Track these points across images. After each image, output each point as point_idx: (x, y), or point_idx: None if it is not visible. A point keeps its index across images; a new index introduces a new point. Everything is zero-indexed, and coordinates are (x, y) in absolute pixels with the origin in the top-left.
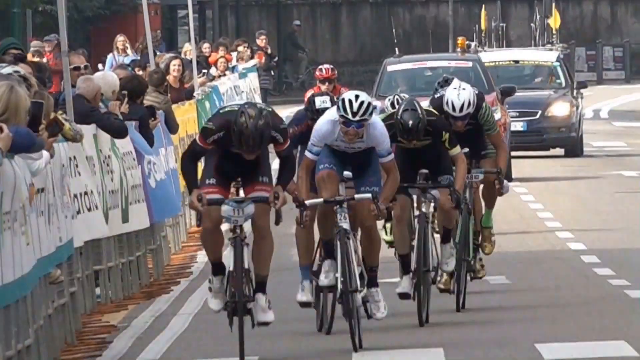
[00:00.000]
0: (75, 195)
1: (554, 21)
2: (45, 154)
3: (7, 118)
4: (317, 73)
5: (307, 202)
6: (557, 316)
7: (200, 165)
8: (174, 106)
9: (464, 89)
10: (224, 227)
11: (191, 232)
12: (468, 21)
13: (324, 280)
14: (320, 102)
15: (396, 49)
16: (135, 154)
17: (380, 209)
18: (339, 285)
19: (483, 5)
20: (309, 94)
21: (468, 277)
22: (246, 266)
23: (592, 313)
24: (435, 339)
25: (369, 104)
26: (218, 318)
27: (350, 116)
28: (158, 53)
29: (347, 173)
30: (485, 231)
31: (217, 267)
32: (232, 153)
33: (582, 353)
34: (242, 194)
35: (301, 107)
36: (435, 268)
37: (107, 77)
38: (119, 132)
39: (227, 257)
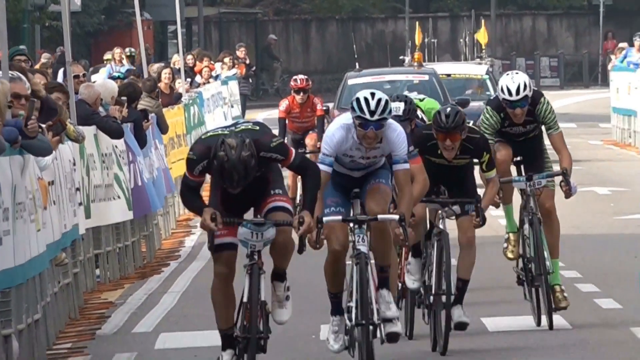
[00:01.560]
0: (78, 188)
1: (482, 37)
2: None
3: None
4: (292, 83)
5: (324, 218)
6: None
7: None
8: (164, 110)
9: (517, 73)
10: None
11: (180, 220)
12: (422, 35)
13: (334, 346)
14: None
15: (356, 63)
16: (129, 153)
17: (408, 232)
18: (353, 318)
19: (417, 22)
20: (283, 102)
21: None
22: (262, 298)
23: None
24: None
25: (387, 101)
26: (204, 294)
27: (368, 116)
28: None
29: (355, 190)
30: (556, 287)
31: (227, 340)
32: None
33: None
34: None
35: (276, 110)
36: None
37: (106, 84)
38: (116, 133)
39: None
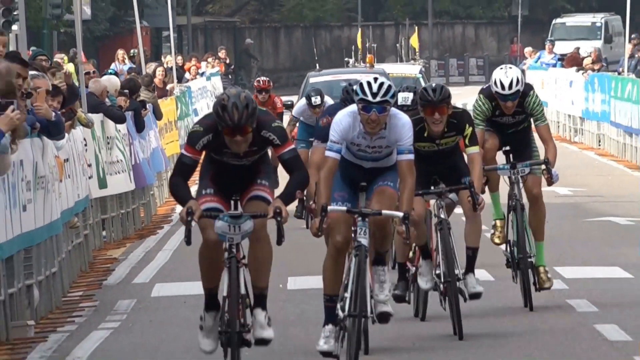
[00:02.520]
0: (89, 165)
1: (415, 42)
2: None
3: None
4: (255, 84)
5: (329, 207)
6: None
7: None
8: (159, 100)
9: (510, 67)
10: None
11: None
12: (363, 40)
13: (323, 346)
14: (403, 97)
15: (317, 64)
16: (129, 137)
17: (411, 232)
18: (346, 309)
19: (360, 28)
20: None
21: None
22: (243, 291)
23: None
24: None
25: (390, 86)
26: (193, 251)
27: (370, 97)
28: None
29: (362, 184)
30: (541, 267)
31: (211, 301)
32: (228, 166)
33: None
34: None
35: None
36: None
37: (111, 79)
38: (119, 119)
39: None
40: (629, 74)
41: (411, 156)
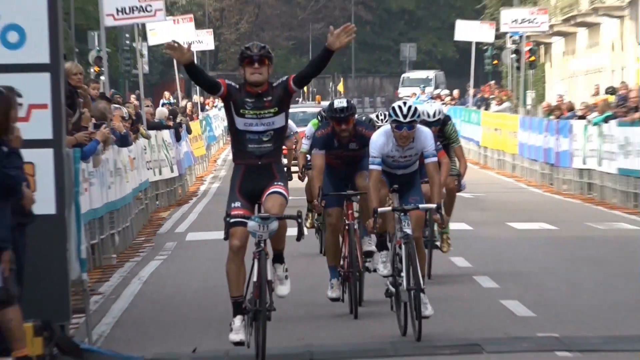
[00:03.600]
0: (148, 161)
1: (341, 87)
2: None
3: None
4: None
5: (379, 209)
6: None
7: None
8: (190, 122)
9: (434, 102)
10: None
11: (198, 176)
12: (322, 84)
13: (383, 271)
14: (337, 102)
15: None
16: (172, 143)
17: (444, 216)
18: (405, 284)
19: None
20: None
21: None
22: (269, 277)
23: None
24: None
25: (415, 108)
26: (210, 214)
27: (401, 118)
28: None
29: (395, 186)
30: (444, 235)
31: (238, 307)
32: (252, 168)
33: None
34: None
35: None
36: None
37: (162, 109)
38: (166, 133)
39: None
40: (473, 107)
41: (435, 159)
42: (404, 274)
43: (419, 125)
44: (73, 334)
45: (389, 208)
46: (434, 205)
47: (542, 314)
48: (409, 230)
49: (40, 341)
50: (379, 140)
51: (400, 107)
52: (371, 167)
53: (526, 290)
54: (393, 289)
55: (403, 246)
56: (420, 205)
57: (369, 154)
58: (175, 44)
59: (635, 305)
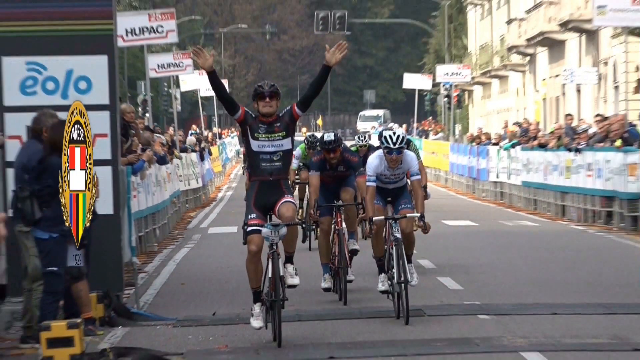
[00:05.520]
0: (180, 175)
1: (320, 122)
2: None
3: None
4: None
5: (374, 218)
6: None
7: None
8: (211, 147)
9: (397, 129)
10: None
11: (217, 187)
12: (306, 119)
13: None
14: (327, 136)
15: None
16: (198, 161)
17: (426, 223)
18: (396, 277)
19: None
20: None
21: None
22: (281, 273)
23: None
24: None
25: (403, 137)
26: (227, 213)
27: (392, 145)
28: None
29: (388, 199)
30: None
31: (257, 296)
32: (265, 184)
33: None
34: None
35: None
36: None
37: (191, 137)
38: (194, 155)
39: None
40: (416, 136)
41: (419, 177)
42: (394, 270)
43: (405, 150)
44: (125, 302)
45: (382, 217)
46: (418, 215)
47: (468, 287)
48: (398, 235)
49: (102, 307)
50: (374, 162)
51: (390, 136)
52: (368, 183)
53: (456, 270)
54: (391, 289)
55: (394, 247)
56: (408, 215)
57: (366, 173)
58: (199, 51)
59: (537, 281)
